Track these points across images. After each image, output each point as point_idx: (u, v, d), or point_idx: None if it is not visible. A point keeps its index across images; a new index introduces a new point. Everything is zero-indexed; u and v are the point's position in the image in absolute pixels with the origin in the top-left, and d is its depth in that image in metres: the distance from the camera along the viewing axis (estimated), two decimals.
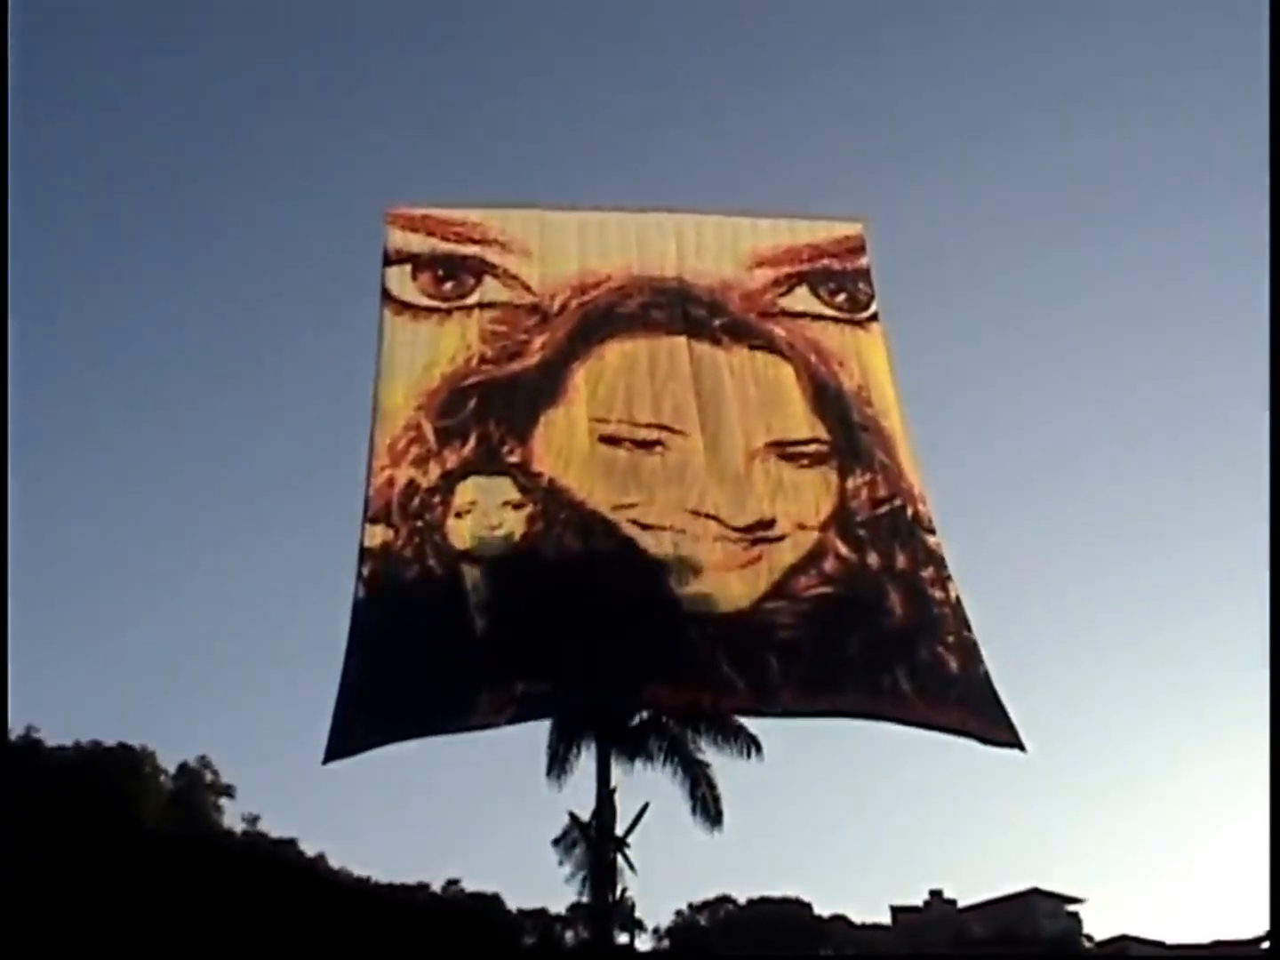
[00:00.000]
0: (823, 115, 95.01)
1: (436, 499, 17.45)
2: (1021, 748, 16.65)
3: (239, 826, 56.44)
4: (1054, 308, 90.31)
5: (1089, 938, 66.76)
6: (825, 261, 20.36)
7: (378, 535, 17.05)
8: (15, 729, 49.70)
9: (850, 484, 18.24)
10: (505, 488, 17.92)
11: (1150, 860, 77.76)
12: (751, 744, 23.81)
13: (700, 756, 24.31)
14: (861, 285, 20.23)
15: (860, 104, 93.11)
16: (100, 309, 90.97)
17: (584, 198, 21.64)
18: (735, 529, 17.69)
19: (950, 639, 17.03)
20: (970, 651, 16.86)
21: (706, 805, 24.35)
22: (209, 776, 56.76)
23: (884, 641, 16.89)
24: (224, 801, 57.13)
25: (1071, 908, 68.03)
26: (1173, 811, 77.58)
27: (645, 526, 17.57)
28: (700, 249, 20.37)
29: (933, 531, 17.97)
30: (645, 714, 23.81)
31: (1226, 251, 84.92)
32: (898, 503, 18.15)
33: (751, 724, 23.06)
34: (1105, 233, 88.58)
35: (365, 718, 15.88)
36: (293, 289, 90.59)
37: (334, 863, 55.18)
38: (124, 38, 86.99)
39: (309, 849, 55.20)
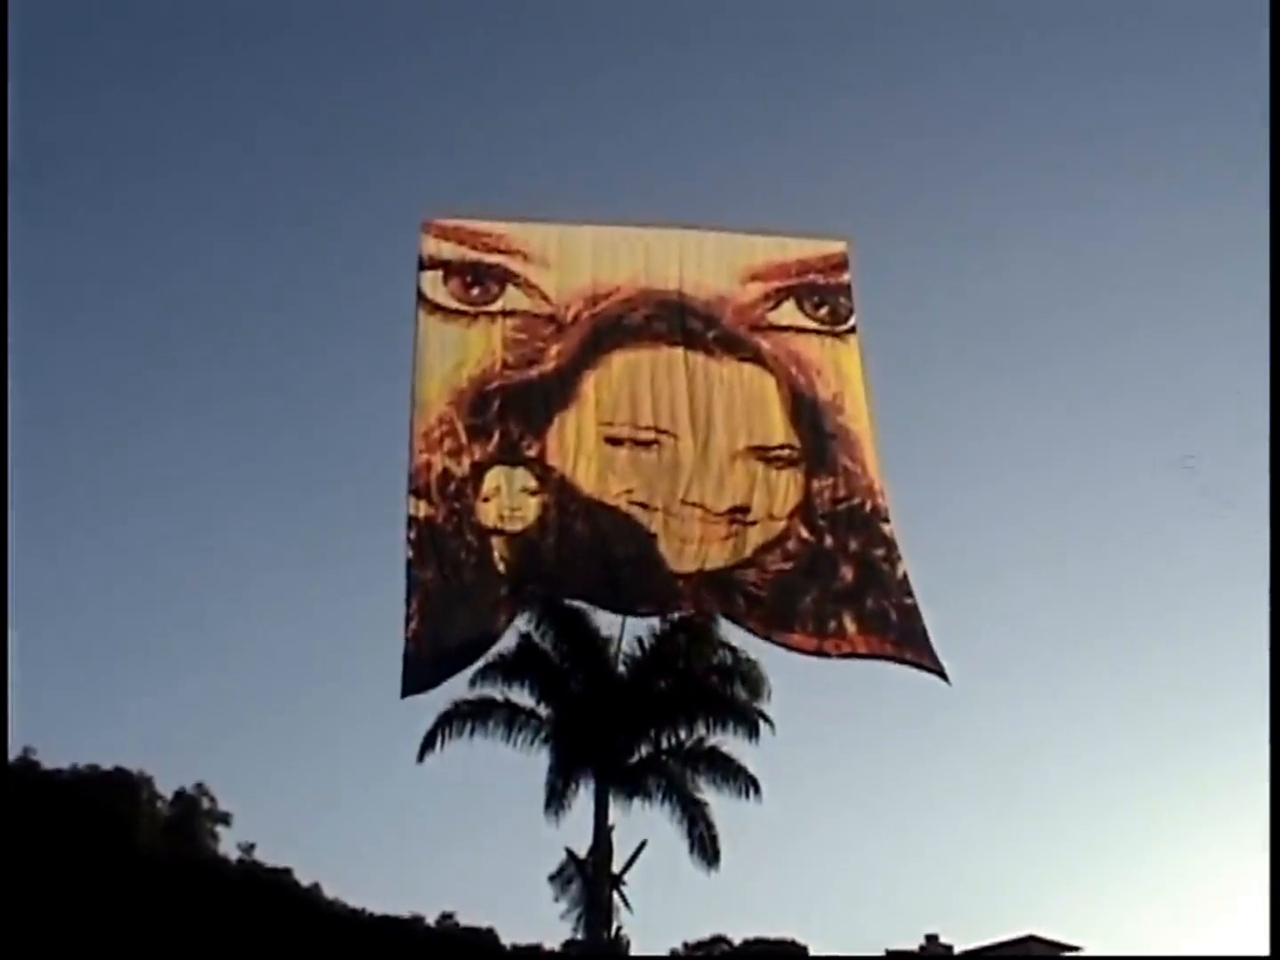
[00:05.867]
0: (815, 138, 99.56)
1: (469, 487, 20.43)
2: (946, 679, 19.79)
3: (234, 854, 56.19)
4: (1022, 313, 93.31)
5: None
6: (811, 277, 22.75)
7: (421, 508, 20.22)
8: (13, 750, 49.44)
9: (815, 485, 21.16)
10: (524, 476, 20.73)
11: (1149, 908, 76.37)
12: (750, 784, 24.10)
13: (698, 795, 24.52)
14: (843, 299, 22.75)
15: (853, 128, 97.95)
16: (158, 307, 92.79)
17: (597, 213, 24.07)
18: (716, 513, 20.67)
19: (894, 600, 20.31)
20: (911, 611, 20.25)
21: (704, 844, 24.80)
22: (206, 803, 56.55)
23: (835, 597, 20.32)
24: (220, 829, 56.94)
25: (1068, 955, 66.68)
26: (1175, 857, 76.24)
27: (641, 505, 20.66)
28: (700, 263, 22.80)
29: (887, 521, 21.11)
30: (644, 752, 23.90)
31: (1215, 263, 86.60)
32: (856, 500, 21.13)
33: (751, 765, 23.16)
34: (1081, 249, 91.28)
35: (426, 658, 18.88)
36: (336, 290, 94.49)
37: (329, 892, 55.66)
38: (162, 40, 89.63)
39: (304, 878, 55.25)
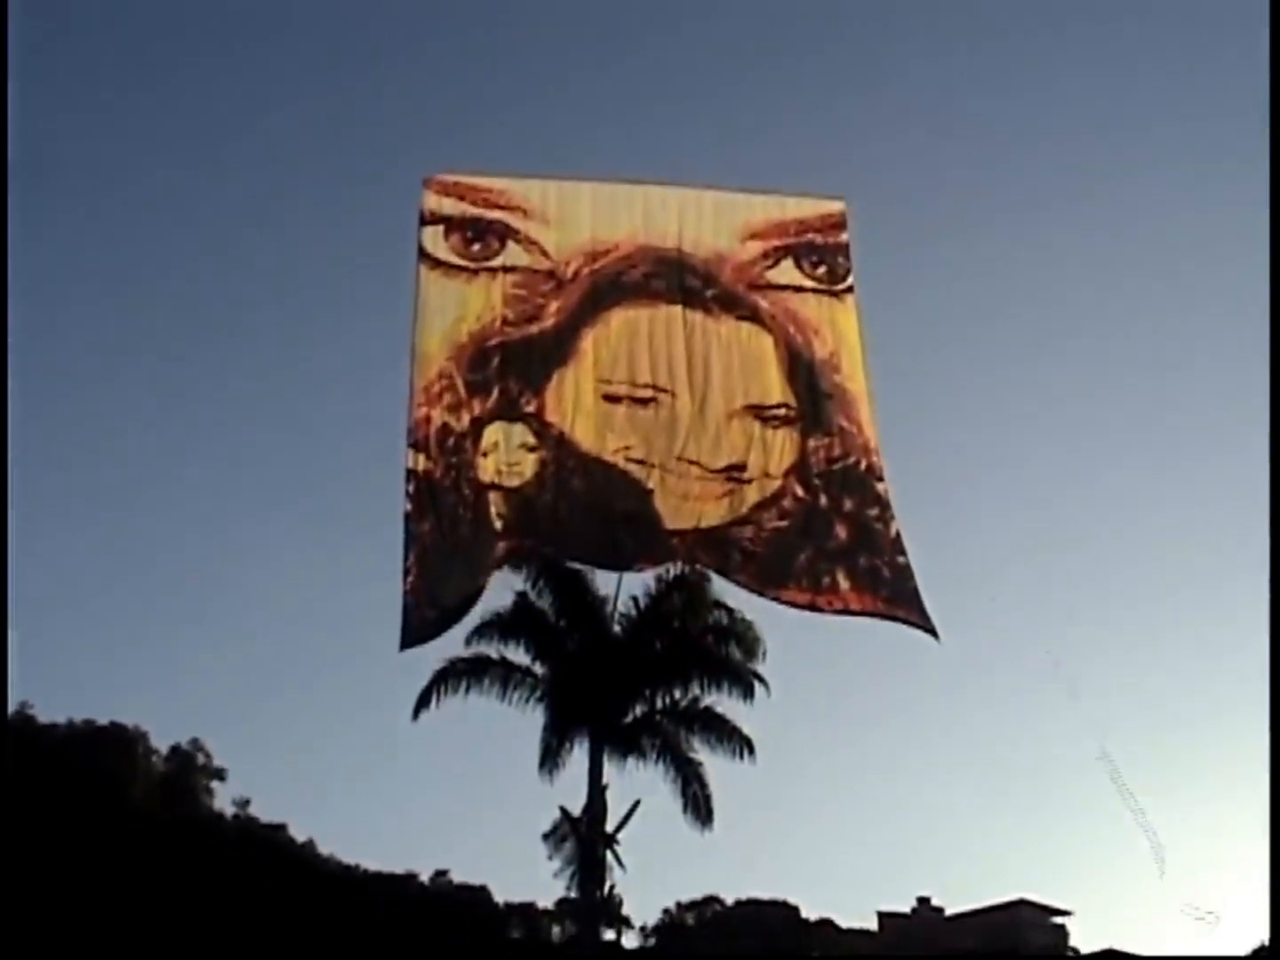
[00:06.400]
0: (816, 103, 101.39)
1: (468, 442, 20.48)
2: (936, 636, 19.90)
3: (229, 810, 56.58)
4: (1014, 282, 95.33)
5: (1075, 950, 66.15)
6: (810, 236, 22.68)
7: (420, 462, 20.27)
8: (9, 705, 49.36)
9: (811, 444, 21.27)
10: (522, 432, 20.78)
11: (1141, 877, 76.73)
12: (745, 745, 24.26)
13: (693, 756, 24.71)
14: (840, 259, 22.69)
15: (854, 88, 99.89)
16: (161, 274, 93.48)
17: (596, 169, 24.90)
18: (712, 470, 20.78)
19: (886, 559, 20.54)
20: (904, 570, 20.43)
21: (697, 804, 24.94)
22: (201, 759, 56.90)
23: (829, 556, 20.51)
24: (215, 784, 57.33)
25: (1058, 920, 67.52)
26: (1170, 824, 76.40)
27: (638, 462, 20.76)
28: (700, 221, 22.71)
29: (882, 480, 21.26)
30: (639, 712, 24.08)
31: (1214, 240, 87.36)
32: (851, 459, 21.25)
33: (746, 726, 23.33)
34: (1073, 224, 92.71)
35: (425, 611, 18.90)
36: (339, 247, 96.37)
37: (323, 849, 55.84)
38: (162, 27, 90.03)
39: (299, 834, 55.76)
